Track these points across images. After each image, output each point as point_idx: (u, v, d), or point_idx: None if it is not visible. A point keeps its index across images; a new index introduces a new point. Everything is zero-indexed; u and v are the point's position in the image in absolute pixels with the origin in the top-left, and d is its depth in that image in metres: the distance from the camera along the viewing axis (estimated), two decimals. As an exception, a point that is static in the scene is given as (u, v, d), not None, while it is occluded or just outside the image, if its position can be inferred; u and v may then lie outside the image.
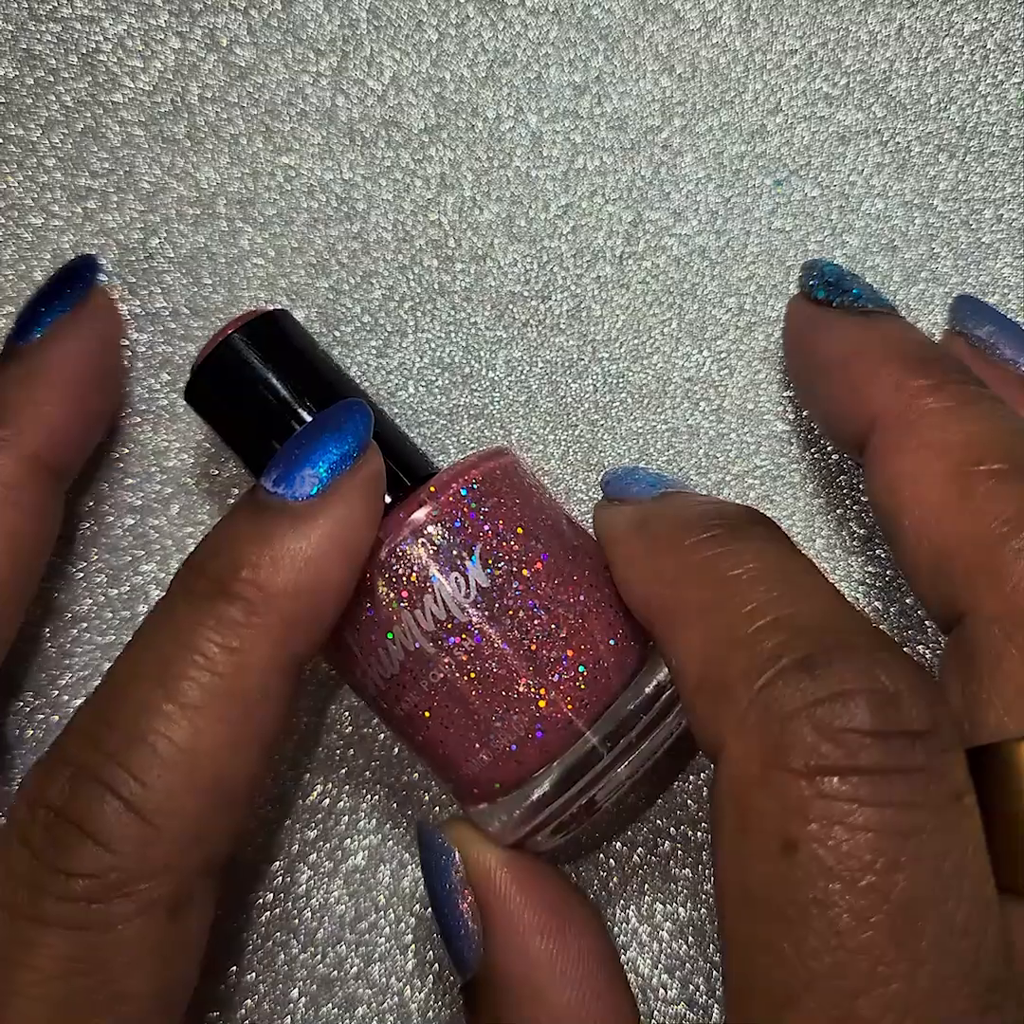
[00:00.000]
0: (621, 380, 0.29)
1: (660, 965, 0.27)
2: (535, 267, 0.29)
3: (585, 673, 0.22)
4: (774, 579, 0.21)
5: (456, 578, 0.22)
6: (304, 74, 0.29)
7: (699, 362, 0.29)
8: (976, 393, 0.23)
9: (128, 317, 0.29)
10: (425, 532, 0.22)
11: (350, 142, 0.29)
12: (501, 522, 0.23)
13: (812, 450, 0.28)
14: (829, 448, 0.28)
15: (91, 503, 0.28)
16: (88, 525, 0.28)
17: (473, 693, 0.22)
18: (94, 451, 0.28)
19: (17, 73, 0.29)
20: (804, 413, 0.28)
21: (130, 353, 0.28)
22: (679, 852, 0.27)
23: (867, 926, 0.17)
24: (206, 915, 0.22)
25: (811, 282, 0.26)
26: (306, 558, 0.21)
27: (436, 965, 0.27)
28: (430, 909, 0.24)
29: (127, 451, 0.28)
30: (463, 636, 0.22)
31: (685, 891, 0.27)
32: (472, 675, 0.22)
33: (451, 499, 0.23)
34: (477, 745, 0.22)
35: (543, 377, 0.29)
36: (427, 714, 0.23)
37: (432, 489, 0.23)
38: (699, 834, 0.27)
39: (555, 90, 0.29)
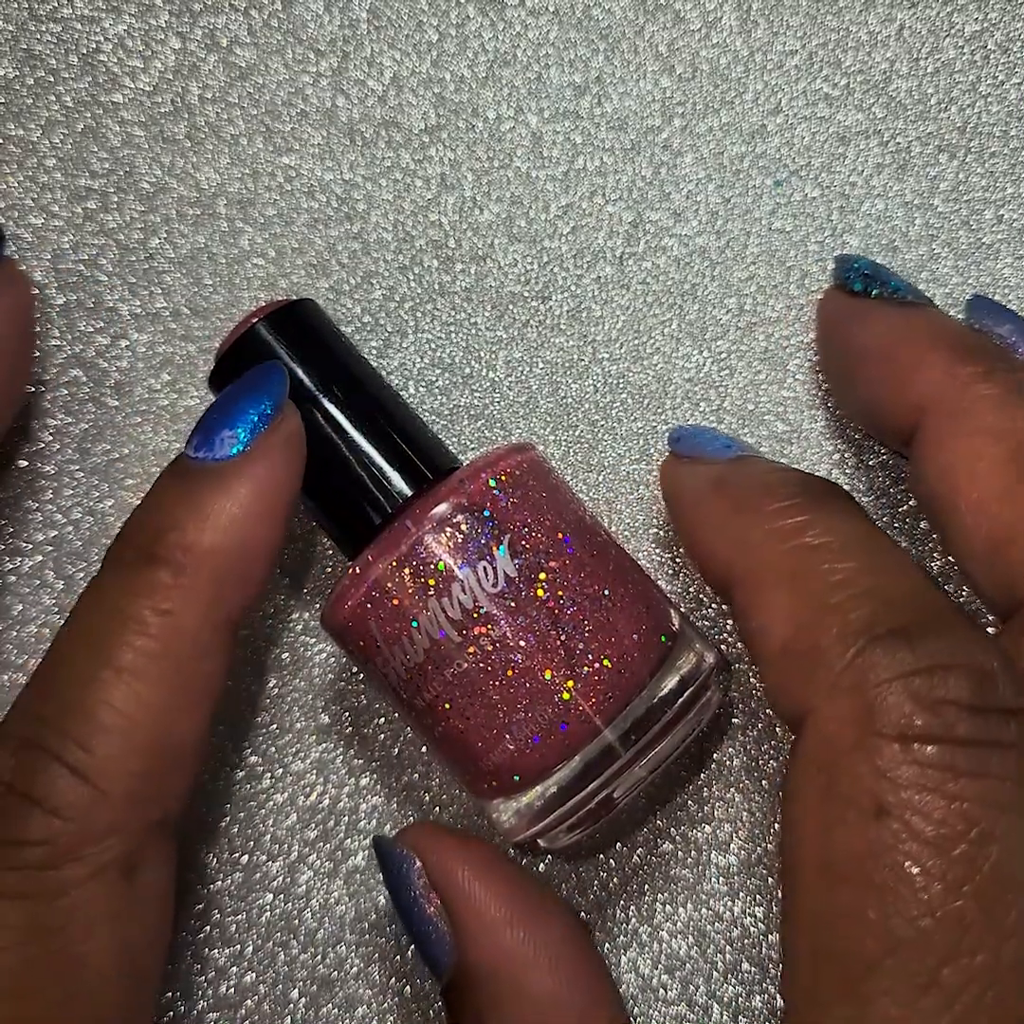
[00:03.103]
0: (621, 381, 0.29)
1: (660, 965, 0.27)
2: (535, 267, 0.29)
3: (610, 667, 0.22)
4: (861, 550, 0.20)
5: (484, 567, 0.22)
6: (304, 74, 0.29)
7: (699, 363, 0.29)
8: (1022, 381, 0.23)
9: (129, 317, 0.29)
10: (453, 521, 0.22)
11: (350, 142, 0.29)
12: (528, 514, 0.23)
13: (812, 450, 0.28)
14: (829, 448, 0.28)
15: (91, 503, 0.28)
16: (88, 525, 0.28)
17: (497, 683, 0.22)
18: (93, 450, 0.28)
19: (17, 73, 0.29)
20: (804, 413, 0.28)
21: (130, 353, 0.28)
22: (679, 852, 0.27)
23: (958, 895, 0.17)
24: (164, 876, 0.22)
25: (847, 274, 0.26)
26: (231, 516, 0.22)
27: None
28: (397, 920, 0.24)
29: (127, 451, 0.28)
30: (489, 626, 0.22)
31: (685, 891, 0.27)
32: (497, 665, 0.22)
33: (480, 489, 0.23)
34: (499, 736, 0.22)
35: (543, 378, 0.29)
36: (448, 705, 0.22)
37: (461, 479, 0.23)
38: (699, 834, 0.27)
39: (555, 90, 0.29)
